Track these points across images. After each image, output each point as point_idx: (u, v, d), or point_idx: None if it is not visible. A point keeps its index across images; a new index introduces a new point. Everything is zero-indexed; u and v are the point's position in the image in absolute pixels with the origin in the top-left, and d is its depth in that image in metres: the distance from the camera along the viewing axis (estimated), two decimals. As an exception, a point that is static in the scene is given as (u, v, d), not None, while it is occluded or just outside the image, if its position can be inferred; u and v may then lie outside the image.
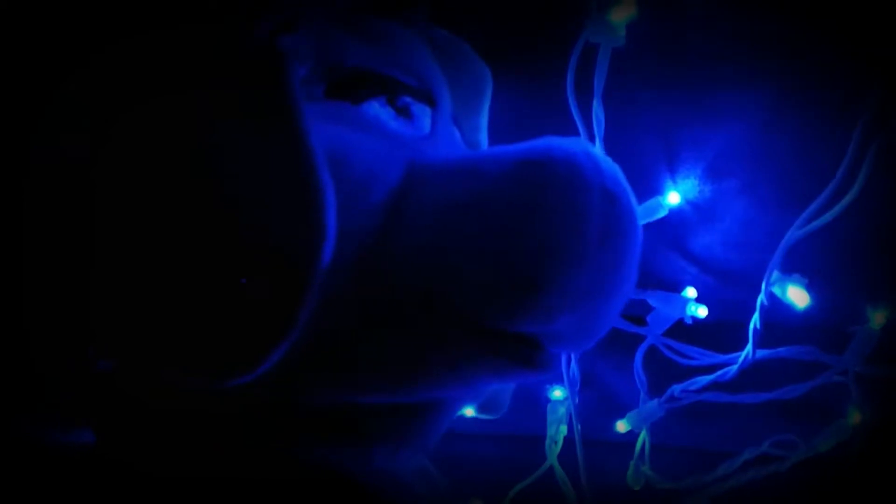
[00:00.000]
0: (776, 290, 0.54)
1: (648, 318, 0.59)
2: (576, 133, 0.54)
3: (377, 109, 0.42)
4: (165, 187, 0.35)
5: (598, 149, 0.39)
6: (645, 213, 0.57)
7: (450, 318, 0.38)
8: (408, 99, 0.42)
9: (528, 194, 0.37)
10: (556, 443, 0.63)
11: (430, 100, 0.44)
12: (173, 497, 0.40)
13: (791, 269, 0.54)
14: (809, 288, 0.54)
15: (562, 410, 0.63)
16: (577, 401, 0.61)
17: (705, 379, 0.58)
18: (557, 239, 0.36)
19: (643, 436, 0.61)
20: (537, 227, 0.36)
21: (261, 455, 0.41)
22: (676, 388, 0.59)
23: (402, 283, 0.37)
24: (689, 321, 0.58)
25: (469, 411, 0.64)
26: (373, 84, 0.41)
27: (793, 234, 0.53)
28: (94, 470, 0.42)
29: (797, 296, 0.54)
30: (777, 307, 0.55)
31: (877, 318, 0.53)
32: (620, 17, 0.50)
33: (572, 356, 0.60)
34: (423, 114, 0.43)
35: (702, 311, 0.57)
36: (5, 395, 0.40)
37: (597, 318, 0.41)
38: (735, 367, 0.56)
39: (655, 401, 0.60)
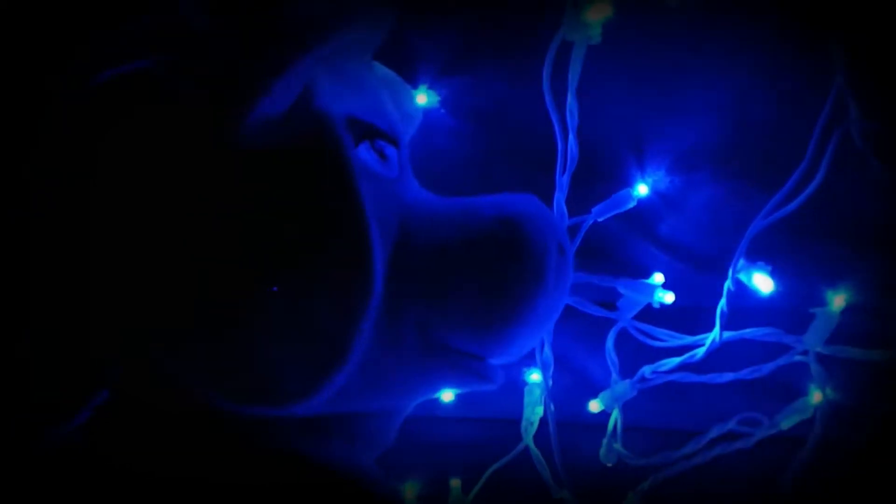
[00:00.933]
0: (742, 276, 0.56)
1: (619, 304, 0.61)
2: (550, 124, 0.56)
3: (365, 154, 0.43)
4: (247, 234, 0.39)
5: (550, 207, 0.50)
6: (615, 205, 0.59)
7: (438, 344, 0.45)
8: (382, 142, 0.45)
9: (503, 251, 0.45)
10: (531, 424, 0.64)
11: (395, 141, 0.46)
12: (173, 497, 0.41)
13: (756, 255, 0.56)
14: (773, 274, 0.56)
15: (537, 393, 0.64)
16: (551, 384, 0.63)
17: (675, 360, 0.59)
18: (527, 287, 0.45)
19: (615, 415, 0.62)
20: (511, 277, 0.45)
21: (257, 454, 0.42)
22: (647, 369, 0.60)
23: (404, 317, 0.43)
24: (657, 306, 0.59)
25: (448, 395, 0.66)
26: (361, 129, 0.43)
27: (758, 223, 0.55)
28: (92, 470, 0.42)
29: (762, 282, 0.56)
30: (743, 292, 0.56)
31: (836, 301, 0.55)
32: (596, 17, 0.51)
33: (545, 341, 0.62)
34: (393, 155, 0.46)
35: (668, 297, 0.59)
36: (5, 395, 0.41)
37: (531, 338, 0.49)
38: (703, 349, 0.58)
39: (627, 381, 0.61)
